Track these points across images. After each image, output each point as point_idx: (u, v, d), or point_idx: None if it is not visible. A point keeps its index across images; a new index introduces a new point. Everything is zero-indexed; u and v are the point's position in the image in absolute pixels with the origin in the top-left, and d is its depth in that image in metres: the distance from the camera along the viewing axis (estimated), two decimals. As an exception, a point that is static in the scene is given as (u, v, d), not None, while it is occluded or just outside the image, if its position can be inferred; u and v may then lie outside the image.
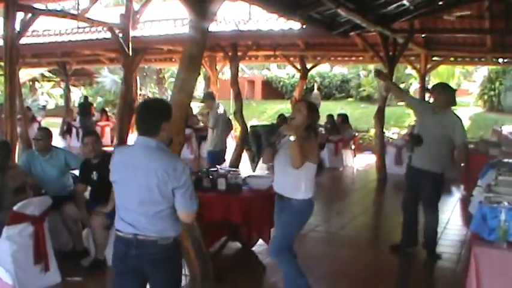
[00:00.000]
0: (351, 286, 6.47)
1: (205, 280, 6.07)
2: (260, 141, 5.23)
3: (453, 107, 7.26)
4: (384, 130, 15.78)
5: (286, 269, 5.27)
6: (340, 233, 9.05)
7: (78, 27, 17.39)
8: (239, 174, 6.90)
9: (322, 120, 18.17)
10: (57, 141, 19.74)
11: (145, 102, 4.22)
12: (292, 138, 4.84)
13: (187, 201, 3.79)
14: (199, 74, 6.11)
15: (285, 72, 35.90)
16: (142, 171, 3.76)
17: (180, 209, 3.82)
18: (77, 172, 7.29)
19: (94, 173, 6.86)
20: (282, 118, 4.95)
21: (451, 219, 9.55)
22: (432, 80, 28.95)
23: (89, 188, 7.10)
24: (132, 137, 18.06)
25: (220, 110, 11.35)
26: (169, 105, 4.10)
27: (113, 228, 6.55)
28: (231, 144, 15.85)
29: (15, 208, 5.68)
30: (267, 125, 5.33)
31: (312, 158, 5.11)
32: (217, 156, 11.00)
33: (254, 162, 5.47)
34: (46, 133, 7.36)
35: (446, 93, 7.19)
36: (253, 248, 7.36)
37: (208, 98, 12.00)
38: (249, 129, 5.96)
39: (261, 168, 6.78)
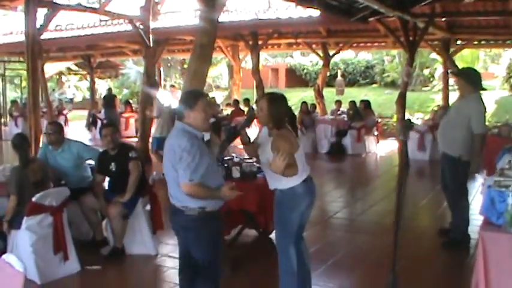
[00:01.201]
0: (366, 271, 6.45)
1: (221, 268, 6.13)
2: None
3: (481, 92, 7.07)
4: (408, 115, 15.69)
5: (281, 263, 5.06)
6: (359, 219, 9.06)
7: (101, 21, 17.57)
8: (254, 162, 6.92)
9: (345, 106, 18.21)
10: (83, 133, 20.06)
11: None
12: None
13: (180, 173, 4.23)
14: (211, 63, 6.17)
15: (308, 60, 35.85)
16: (167, 148, 4.40)
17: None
18: (93, 163, 7.39)
19: (112, 164, 6.94)
20: (248, 118, 4.73)
21: (472, 204, 9.46)
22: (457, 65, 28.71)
23: (108, 179, 7.20)
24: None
25: (163, 100, 11.77)
26: (192, 95, 4.62)
27: (130, 218, 6.74)
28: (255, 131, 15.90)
29: (33, 199, 5.81)
30: (229, 128, 5.08)
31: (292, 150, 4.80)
32: (163, 142, 11.30)
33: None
34: (57, 127, 7.40)
35: (464, 78, 7.05)
36: (271, 236, 7.39)
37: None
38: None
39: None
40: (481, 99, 6.98)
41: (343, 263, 6.73)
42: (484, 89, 7.19)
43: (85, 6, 13.30)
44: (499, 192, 4.38)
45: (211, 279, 4.56)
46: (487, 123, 18.75)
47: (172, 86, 22.55)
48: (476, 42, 19.20)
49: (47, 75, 20.70)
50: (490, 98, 25.50)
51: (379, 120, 18.73)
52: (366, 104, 17.41)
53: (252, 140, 5.07)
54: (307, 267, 5.21)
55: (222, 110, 20.13)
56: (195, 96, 4.51)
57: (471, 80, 6.99)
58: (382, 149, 16.95)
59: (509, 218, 4.15)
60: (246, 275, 6.29)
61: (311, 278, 5.28)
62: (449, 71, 17.60)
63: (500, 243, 4.20)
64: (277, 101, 4.91)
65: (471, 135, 6.81)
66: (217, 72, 37.73)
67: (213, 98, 20.57)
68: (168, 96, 11.97)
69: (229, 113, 19.02)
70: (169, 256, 6.83)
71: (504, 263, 4.17)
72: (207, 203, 4.34)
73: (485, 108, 7.02)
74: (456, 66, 17.86)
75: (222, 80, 39.34)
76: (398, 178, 4.73)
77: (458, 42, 18.84)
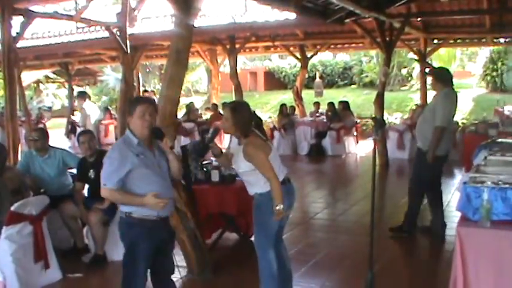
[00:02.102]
0: (348, 271, 6.50)
1: (202, 272, 6.16)
2: (187, 161, 5.15)
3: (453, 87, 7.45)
4: (387, 115, 15.78)
5: (261, 266, 5.11)
6: (339, 219, 9.10)
7: (77, 28, 17.49)
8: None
9: (324, 108, 18.31)
10: (63, 141, 19.93)
11: None
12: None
13: None
14: (187, 68, 6.18)
15: (286, 62, 35.93)
16: None
17: None
18: (75, 171, 7.38)
19: (91, 170, 6.94)
20: (215, 129, 5.03)
21: (451, 201, 9.56)
22: (433, 64, 28.90)
23: (87, 186, 7.18)
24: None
25: (89, 110, 11.88)
26: (132, 101, 4.74)
27: (111, 225, 6.73)
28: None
29: (12, 208, 5.77)
30: (195, 143, 5.12)
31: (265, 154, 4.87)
32: None
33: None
34: (42, 133, 7.43)
35: (434, 75, 7.64)
36: (252, 239, 7.41)
37: (78, 97, 12.66)
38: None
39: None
40: (451, 94, 7.33)
41: (325, 263, 6.77)
42: (452, 85, 7.47)
43: (61, 14, 13.18)
44: (474, 188, 4.44)
45: (126, 284, 4.56)
46: (464, 120, 19.07)
47: (145, 91, 22.41)
48: (452, 41, 19.38)
49: (24, 84, 20.49)
50: (468, 96, 25.76)
51: (358, 120, 18.82)
52: (345, 104, 17.52)
53: (224, 151, 5.15)
54: (288, 269, 5.26)
55: (201, 114, 20.12)
56: (134, 102, 4.54)
57: (440, 77, 7.42)
58: (361, 149, 17.05)
59: (485, 213, 4.21)
60: (228, 278, 6.31)
61: (292, 279, 5.33)
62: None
63: (476, 238, 4.26)
64: (238, 108, 4.92)
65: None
66: (197, 77, 37.65)
67: (192, 102, 20.52)
68: (94, 107, 12.17)
69: (208, 117, 19.04)
70: (151, 262, 6.82)
71: (481, 257, 4.23)
72: (135, 208, 4.35)
73: (453, 104, 7.37)
74: (430, 65, 18.07)
75: (201, 85, 39.26)
76: (372, 179, 4.78)
77: (435, 41, 19.01)
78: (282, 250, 5.22)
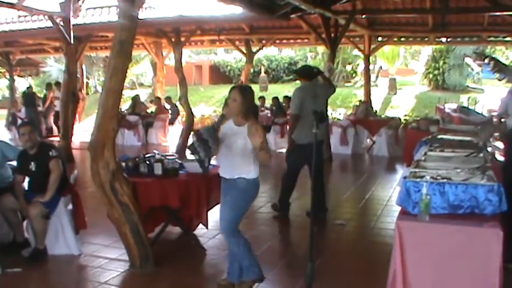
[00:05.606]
0: (289, 263, 6.58)
1: (145, 265, 6.12)
2: (208, 145, 5.23)
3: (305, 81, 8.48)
4: (331, 111, 15.94)
5: (235, 250, 5.38)
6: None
7: (19, 16, 17.12)
8: (176, 158, 6.94)
9: (268, 102, 18.39)
10: (3, 133, 19.49)
11: None
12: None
13: None
14: (131, 60, 6.12)
15: (232, 57, 35.99)
16: None
17: None
18: (15, 163, 7.20)
19: (32, 163, 6.77)
20: (222, 116, 5.25)
21: (392, 196, 9.73)
22: (378, 61, 29.39)
23: (27, 179, 7.03)
24: (78, 126, 17.91)
25: None
26: None
27: (51, 218, 6.61)
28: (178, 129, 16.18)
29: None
30: (209, 127, 5.29)
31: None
32: None
33: (204, 166, 5.49)
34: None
35: (296, 73, 9.38)
36: (195, 232, 7.41)
37: None
38: (192, 135, 6.11)
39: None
40: (305, 87, 8.39)
41: (267, 256, 6.77)
42: (308, 79, 8.48)
43: (2, 1, 12.84)
44: (414, 182, 4.54)
45: None
46: (407, 117, 19.48)
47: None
48: (396, 39, 19.74)
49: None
50: (410, 93, 26.26)
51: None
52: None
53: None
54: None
55: (146, 107, 19.96)
56: None
57: (301, 74, 8.77)
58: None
59: (424, 207, 4.30)
60: (170, 271, 6.26)
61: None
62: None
63: (415, 231, 4.36)
64: (249, 92, 5.29)
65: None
66: (141, 70, 37.33)
67: (138, 95, 20.30)
68: None
69: (153, 110, 18.90)
70: (93, 255, 6.75)
71: (419, 250, 4.33)
72: None
73: (307, 94, 8.26)
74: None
75: (146, 78, 38.93)
76: (314, 172, 4.89)
77: (379, 39, 19.31)
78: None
